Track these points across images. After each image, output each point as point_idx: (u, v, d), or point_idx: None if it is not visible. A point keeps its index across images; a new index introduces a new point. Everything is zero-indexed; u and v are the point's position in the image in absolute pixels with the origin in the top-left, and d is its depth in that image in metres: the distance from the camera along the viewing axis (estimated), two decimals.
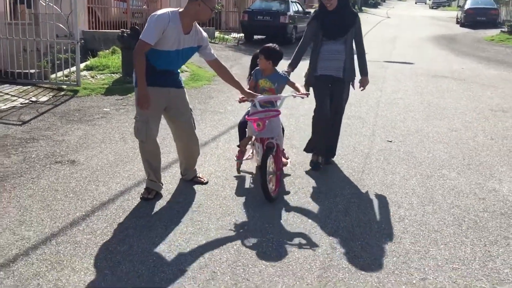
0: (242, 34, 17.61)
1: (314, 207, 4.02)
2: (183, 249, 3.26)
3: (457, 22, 30.25)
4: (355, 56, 4.84)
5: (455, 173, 4.89)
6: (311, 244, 3.38)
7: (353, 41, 4.79)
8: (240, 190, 4.29)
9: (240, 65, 11.87)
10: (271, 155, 4.05)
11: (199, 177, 4.44)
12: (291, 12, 16.93)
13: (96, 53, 10.78)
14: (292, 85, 4.43)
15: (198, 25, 3.98)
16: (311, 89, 4.87)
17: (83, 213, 3.73)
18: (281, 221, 3.74)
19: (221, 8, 19.41)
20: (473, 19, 27.19)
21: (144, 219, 3.68)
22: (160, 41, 3.72)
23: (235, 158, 4.56)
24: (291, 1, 17.82)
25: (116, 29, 12.46)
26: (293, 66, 4.79)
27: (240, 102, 4.32)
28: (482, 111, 7.74)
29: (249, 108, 4.53)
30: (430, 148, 5.68)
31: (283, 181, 4.46)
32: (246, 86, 4.42)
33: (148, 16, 14.22)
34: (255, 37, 17.63)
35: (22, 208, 3.76)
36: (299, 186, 4.44)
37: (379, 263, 3.18)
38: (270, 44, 4.45)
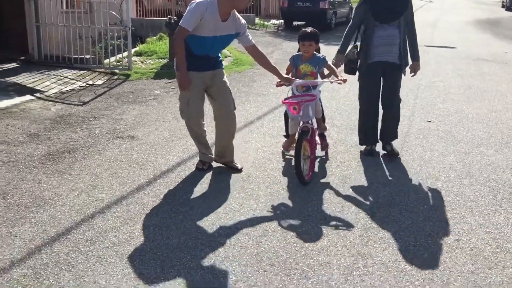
0: (281, 21, 17.81)
1: (355, 178, 4.32)
2: (237, 211, 3.64)
3: (503, 6, 29.37)
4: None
5: (493, 151, 5.07)
6: (353, 209, 3.70)
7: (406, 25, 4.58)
8: (286, 164, 4.62)
9: (280, 50, 12.15)
10: (305, 139, 4.12)
11: (235, 163, 4.45)
12: None
13: (144, 40, 11.29)
14: (329, 67, 4.45)
15: (236, 13, 4.10)
16: (348, 75, 4.74)
17: (147, 180, 4.17)
18: (325, 189, 4.06)
19: None
20: None
21: (200, 186, 4.09)
22: (197, 27, 3.91)
23: (282, 148, 4.59)
24: None
25: (161, 17, 12.98)
26: (342, 52, 4.71)
27: (277, 86, 4.44)
28: None
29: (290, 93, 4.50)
30: (469, 128, 5.85)
31: (322, 167, 4.76)
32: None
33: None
34: (295, 23, 17.80)
35: (93, 175, 4.24)
36: (341, 161, 4.74)
37: (416, 226, 3.46)
38: (305, 29, 4.47)
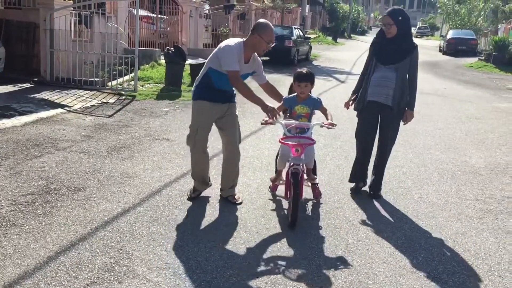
0: None
1: (346, 168, 5.95)
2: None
3: (440, 51, 32.90)
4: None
5: (439, 152, 6.90)
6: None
7: (407, 73, 4.67)
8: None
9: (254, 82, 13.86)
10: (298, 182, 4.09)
11: (234, 197, 4.64)
12: (294, 37, 19.09)
13: (138, 67, 12.70)
14: (324, 111, 4.48)
15: (256, 54, 4.41)
16: (338, 121, 4.99)
17: None
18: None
19: (229, 31, 21.59)
20: (455, 48, 29.85)
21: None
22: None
23: (269, 189, 4.90)
24: (294, 27, 20.08)
25: (146, 47, 14.44)
26: (355, 92, 4.92)
27: (262, 124, 4.35)
28: (460, 117, 9.84)
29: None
30: (420, 139, 7.70)
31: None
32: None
33: (170, 36, 17.06)
34: (261, 58, 19.71)
35: (154, 161, 5.64)
36: (333, 155, 6.38)
37: (393, 192, 5.12)
38: (301, 70, 4.55)
